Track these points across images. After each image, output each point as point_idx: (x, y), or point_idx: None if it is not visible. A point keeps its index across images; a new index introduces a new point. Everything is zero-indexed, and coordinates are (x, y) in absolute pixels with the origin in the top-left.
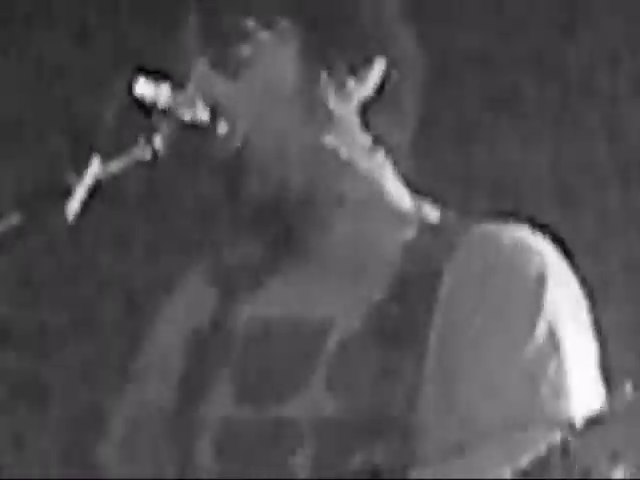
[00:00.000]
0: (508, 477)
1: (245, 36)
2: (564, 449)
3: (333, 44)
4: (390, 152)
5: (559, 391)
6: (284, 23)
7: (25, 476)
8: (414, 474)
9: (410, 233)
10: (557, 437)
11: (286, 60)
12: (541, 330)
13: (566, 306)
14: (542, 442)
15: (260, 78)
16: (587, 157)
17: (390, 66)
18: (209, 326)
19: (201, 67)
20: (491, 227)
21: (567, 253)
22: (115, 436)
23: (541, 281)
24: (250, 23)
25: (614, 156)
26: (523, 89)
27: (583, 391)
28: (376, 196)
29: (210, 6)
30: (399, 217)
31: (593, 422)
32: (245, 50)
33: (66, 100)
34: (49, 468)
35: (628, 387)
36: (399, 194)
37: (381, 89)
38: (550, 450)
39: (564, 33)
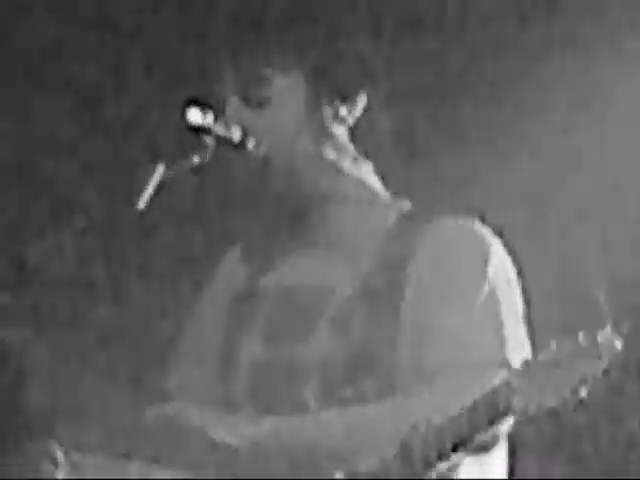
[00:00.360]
0: (461, 407)
1: (266, 81)
2: (507, 387)
3: (330, 85)
4: (372, 160)
5: (499, 339)
6: (295, 71)
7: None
8: (388, 403)
9: (390, 222)
10: (501, 377)
11: (296, 97)
12: (484, 293)
13: (502, 276)
14: (489, 380)
15: (277, 109)
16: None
17: (369, 99)
18: (241, 291)
19: (234, 102)
20: (450, 219)
21: (503, 238)
22: (179, 365)
23: (485, 258)
24: (270, 71)
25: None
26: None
27: (516, 340)
28: (364, 193)
29: (241, 60)
30: (382, 209)
31: (529, 365)
32: (266, 90)
33: (142, 121)
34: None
35: (553, 342)
36: (381, 192)
37: (363, 115)
38: (496, 387)
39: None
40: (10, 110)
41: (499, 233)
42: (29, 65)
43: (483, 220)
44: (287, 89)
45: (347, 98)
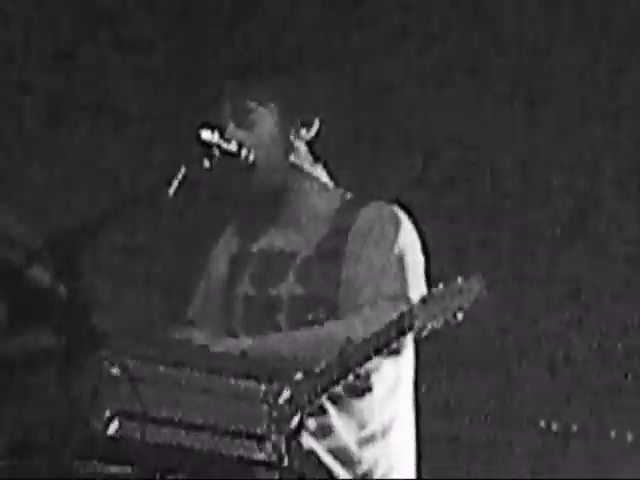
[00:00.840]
0: (379, 327)
1: (252, 110)
2: (410, 313)
3: (294, 115)
4: (322, 164)
5: (404, 283)
6: (271, 104)
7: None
8: (331, 325)
9: (336, 205)
10: (405, 307)
11: (272, 122)
12: (395, 253)
13: (409, 242)
14: (396, 310)
15: (260, 130)
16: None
17: (322, 123)
18: (237, 253)
19: (231, 125)
20: (378, 203)
21: (413, 217)
22: (197, 301)
23: (397, 229)
24: (254, 104)
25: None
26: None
27: (416, 284)
28: (319, 186)
29: (235, 95)
30: (331, 197)
31: (424, 299)
32: (253, 118)
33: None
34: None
35: (440, 284)
36: (330, 185)
37: (317, 134)
38: (403, 313)
39: None
40: None
41: (409, 213)
42: None
43: (399, 204)
44: (266, 117)
45: (306, 124)
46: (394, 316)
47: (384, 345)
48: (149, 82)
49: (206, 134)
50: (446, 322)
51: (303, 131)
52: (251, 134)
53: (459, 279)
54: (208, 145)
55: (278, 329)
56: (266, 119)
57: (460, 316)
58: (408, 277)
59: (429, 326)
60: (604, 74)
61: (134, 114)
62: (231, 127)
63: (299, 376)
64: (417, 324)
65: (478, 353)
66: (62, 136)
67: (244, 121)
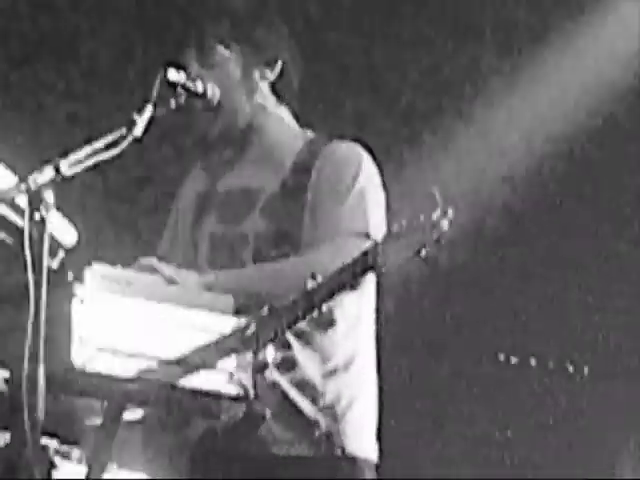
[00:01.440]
0: (343, 263)
1: (216, 51)
2: (374, 249)
3: (258, 55)
4: (287, 104)
5: (365, 219)
6: (235, 45)
7: None
8: (294, 261)
9: (301, 143)
10: (367, 244)
11: (236, 63)
12: (357, 189)
13: (370, 179)
14: (357, 247)
15: (224, 70)
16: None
17: (284, 64)
18: (203, 191)
19: (195, 66)
20: (338, 142)
21: (373, 154)
22: (164, 240)
23: (358, 166)
24: (218, 45)
25: None
26: None
27: (377, 220)
28: (282, 126)
29: (200, 37)
30: (295, 135)
31: (386, 236)
32: (215, 57)
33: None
34: None
35: (403, 220)
36: (294, 124)
37: (280, 75)
38: (367, 249)
39: None
40: None
41: (370, 150)
42: None
43: (361, 142)
44: (230, 58)
45: (269, 64)
46: (357, 253)
47: (348, 281)
48: (117, 23)
49: (172, 74)
50: (408, 259)
51: (267, 71)
52: (215, 74)
53: (422, 215)
54: (174, 85)
55: (243, 266)
56: (230, 60)
57: (424, 252)
58: (369, 213)
59: (390, 263)
60: None
61: (102, 55)
62: (195, 67)
63: (265, 311)
64: (380, 261)
65: (440, 287)
66: (31, 79)
67: (208, 62)
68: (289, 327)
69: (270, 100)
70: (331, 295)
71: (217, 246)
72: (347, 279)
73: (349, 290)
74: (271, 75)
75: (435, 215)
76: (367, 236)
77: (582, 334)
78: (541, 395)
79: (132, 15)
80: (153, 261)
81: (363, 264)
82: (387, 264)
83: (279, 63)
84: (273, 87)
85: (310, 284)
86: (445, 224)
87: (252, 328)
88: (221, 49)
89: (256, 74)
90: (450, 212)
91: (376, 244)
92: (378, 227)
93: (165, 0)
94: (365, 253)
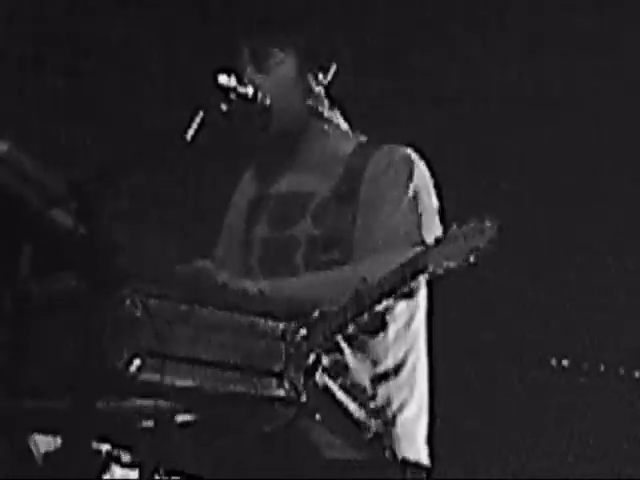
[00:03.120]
0: (390, 272)
1: (271, 55)
2: (424, 254)
3: (312, 59)
4: (339, 107)
5: (418, 225)
6: (290, 49)
7: None
8: (347, 267)
9: (352, 147)
10: (418, 250)
11: (291, 66)
12: (410, 195)
13: (422, 184)
14: (409, 252)
15: (278, 74)
16: None
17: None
18: (255, 196)
19: (250, 69)
20: (391, 146)
21: (426, 159)
22: (219, 246)
23: (411, 171)
24: (273, 48)
25: None
26: None
27: (430, 226)
28: (335, 130)
29: (255, 40)
30: (347, 139)
31: (438, 241)
32: (271, 61)
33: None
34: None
35: (454, 225)
36: (345, 128)
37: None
38: (417, 254)
39: None
40: None
41: (423, 156)
42: None
43: (413, 147)
44: (285, 61)
45: (324, 68)
46: (408, 258)
47: (398, 286)
48: (168, 27)
49: (223, 78)
50: (460, 264)
51: (321, 75)
52: (269, 78)
53: (472, 221)
54: (225, 89)
55: (295, 270)
56: (285, 63)
57: (473, 258)
58: (422, 219)
59: (442, 268)
60: None
61: (152, 61)
62: (249, 71)
63: (315, 315)
64: (430, 266)
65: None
66: (83, 86)
67: (262, 65)
68: (339, 331)
69: (324, 104)
70: (381, 300)
71: (269, 251)
72: (398, 284)
73: (402, 297)
74: (325, 79)
75: (485, 222)
76: (420, 241)
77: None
78: (592, 399)
79: (185, 19)
80: (208, 265)
81: (413, 268)
82: (437, 269)
83: (334, 67)
84: (327, 91)
85: (361, 289)
86: (495, 230)
87: (303, 332)
88: (277, 53)
89: (311, 78)
90: (498, 219)
91: (426, 248)
92: (431, 232)
93: (219, 3)
94: (415, 257)
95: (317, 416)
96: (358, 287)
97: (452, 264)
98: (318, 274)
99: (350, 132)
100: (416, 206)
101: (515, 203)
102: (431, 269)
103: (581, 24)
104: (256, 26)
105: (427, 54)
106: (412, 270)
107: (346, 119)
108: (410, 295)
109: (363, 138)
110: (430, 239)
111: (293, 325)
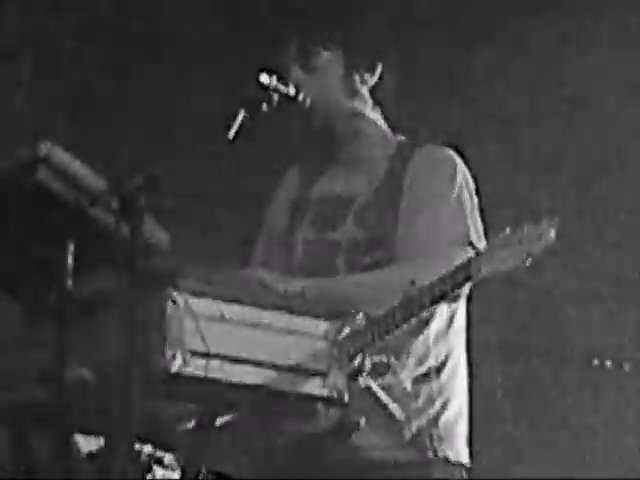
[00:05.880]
0: (445, 271)
1: (318, 54)
2: (477, 259)
3: (359, 59)
4: (382, 109)
5: (465, 226)
6: (338, 49)
7: None
8: (392, 269)
9: (393, 148)
10: (467, 252)
11: (337, 66)
12: (454, 195)
13: (465, 184)
14: (458, 255)
15: (324, 73)
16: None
17: (383, 69)
18: (296, 197)
19: (296, 68)
20: (431, 146)
21: (465, 158)
22: (259, 246)
23: (454, 171)
24: (321, 48)
25: None
26: None
27: (476, 227)
28: (376, 130)
29: (302, 39)
30: (388, 140)
31: (491, 245)
32: (318, 60)
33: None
34: None
35: (508, 229)
36: (387, 129)
37: (380, 80)
38: (470, 258)
39: None
40: None
41: (462, 155)
42: None
43: (454, 148)
44: (331, 61)
45: (370, 68)
46: (458, 261)
47: (450, 290)
48: (214, 26)
49: (264, 78)
50: (514, 269)
51: (367, 75)
52: (314, 77)
53: (526, 225)
54: (266, 89)
55: (336, 273)
56: (331, 63)
57: (529, 261)
58: (468, 220)
59: (495, 273)
60: None
61: (196, 60)
62: (295, 69)
63: (360, 316)
64: (484, 270)
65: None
66: (125, 84)
67: (309, 64)
68: (387, 334)
69: (368, 104)
70: (432, 304)
71: (310, 252)
72: (450, 288)
73: (450, 301)
74: (371, 79)
75: (541, 225)
76: (468, 243)
77: None
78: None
79: (230, 16)
80: (260, 270)
81: (465, 273)
82: (490, 274)
83: (380, 67)
84: (371, 91)
85: (410, 292)
86: (552, 234)
87: (346, 331)
88: (323, 52)
89: (357, 77)
90: (556, 222)
91: (479, 253)
92: (478, 233)
93: (267, 2)
94: (468, 262)
95: (361, 420)
96: (407, 291)
97: (505, 269)
98: (362, 275)
99: (391, 133)
100: (460, 205)
101: (554, 203)
102: (484, 274)
103: (620, 22)
104: (304, 25)
105: (475, 55)
106: (465, 275)
107: (387, 120)
108: (456, 298)
109: (402, 138)
110: (474, 238)
111: (337, 324)
